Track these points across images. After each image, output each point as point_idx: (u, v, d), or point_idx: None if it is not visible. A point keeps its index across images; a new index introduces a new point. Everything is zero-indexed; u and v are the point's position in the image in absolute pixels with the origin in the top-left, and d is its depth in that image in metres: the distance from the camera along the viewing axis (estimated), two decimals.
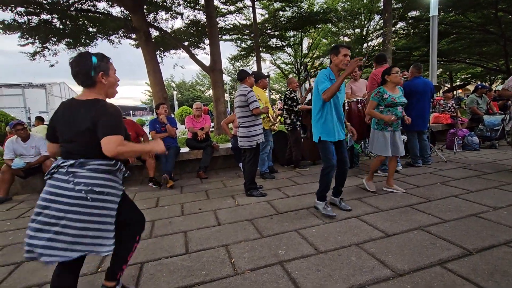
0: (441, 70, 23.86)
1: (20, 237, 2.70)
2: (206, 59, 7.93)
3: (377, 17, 15.10)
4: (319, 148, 2.76)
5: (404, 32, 15.32)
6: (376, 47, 14.37)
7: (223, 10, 12.74)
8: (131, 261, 2.09)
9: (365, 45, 16.05)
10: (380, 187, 3.46)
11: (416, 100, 4.29)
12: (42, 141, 4.25)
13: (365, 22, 16.04)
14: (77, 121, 1.40)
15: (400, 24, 14.65)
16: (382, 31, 12.02)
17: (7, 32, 7.59)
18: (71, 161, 1.38)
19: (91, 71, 1.43)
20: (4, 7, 6.90)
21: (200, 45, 11.72)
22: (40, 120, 6.69)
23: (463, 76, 26.46)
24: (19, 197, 4.18)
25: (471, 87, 23.42)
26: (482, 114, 6.24)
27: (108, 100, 1.53)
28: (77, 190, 1.34)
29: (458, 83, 25.51)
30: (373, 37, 15.82)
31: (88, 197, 1.35)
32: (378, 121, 3.31)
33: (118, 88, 1.61)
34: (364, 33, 16.25)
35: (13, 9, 7.12)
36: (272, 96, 23.28)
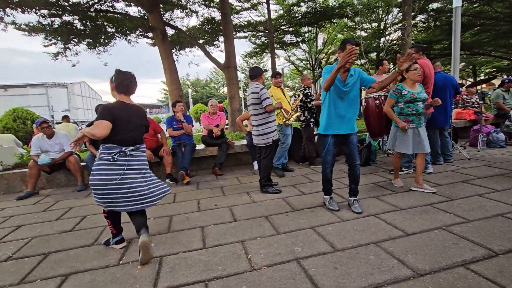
0: (463, 64, 22.84)
1: (47, 229, 2.84)
2: (220, 57, 7.98)
3: (395, 10, 14.60)
4: (319, 142, 2.87)
5: (425, 25, 14.73)
6: (394, 41, 13.94)
7: (237, 7, 12.74)
8: None
9: (382, 39, 15.59)
10: (408, 187, 3.33)
11: (436, 96, 4.14)
12: (66, 138, 4.43)
13: (383, 16, 15.56)
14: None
15: (420, 17, 14.10)
16: (400, 24, 11.62)
17: (32, 34, 7.94)
18: None
19: None
20: (29, 10, 7.21)
21: (214, 43, 11.80)
22: (66, 118, 6.97)
23: (487, 70, 25.19)
24: (45, 192, 4.39)
25: (495, 81, 22.31)
26: (509, 109, 5.93)
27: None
28: None
29: (482, 78, 24.35)
30: (391, 31, 15.32)
31: None
32: (398, 117, 3.24)
33: None
34: (382, 27, 15.77)
35: (37, 11, 7.44)
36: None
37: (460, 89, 5.10)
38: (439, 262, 1.80)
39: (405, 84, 3.21)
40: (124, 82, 2.16)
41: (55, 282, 1.89)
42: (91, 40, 8.91)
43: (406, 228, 2.30)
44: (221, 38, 10.79)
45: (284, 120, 4.22)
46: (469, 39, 14.92)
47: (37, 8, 7.29)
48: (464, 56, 17.55)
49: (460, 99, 5.97)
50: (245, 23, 13.92)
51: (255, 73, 3.59)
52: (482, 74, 25.82)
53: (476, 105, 6.08)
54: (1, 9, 6.99)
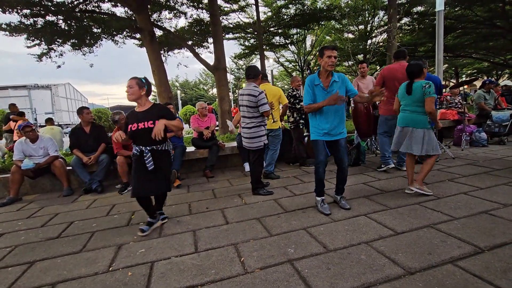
0: (446, 65, 23.58)
1: (31, 237, 2.74)
2: (209, 58, 7.95)
3: (381, 13, 14.94)
4: (312, 145, 2.92)
5: (409, 27, 15.13)
6: (381, 43, 14.25)
7: (226, 9, 12.72)
8: (140, 260, 2.12)
9: (369, 41, 15.90)
10: (401, 187, 3.40)
11: None
12: (51, 141, 4.30)
13: (369, 19, 15.89)
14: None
15: (405, 20, 14.48)
16: (386, 27, 11.89)
17: (14, 34, 7.68)
18: None
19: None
20: (10, 10, 6.97)
21: (203, 44, 11.74)
22: (49, 121, 6.75)
23: (469, 71, 26.12)
24: (28, 197, 4.24)
25: (476, 83, 23.13)
26: (490, 109, 6.16)
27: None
28: None
29: (464, 79, 25.21)
30: (377, 33, 15.66)
31: None
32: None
33: (121, 88, 2.46)
34: (368, 29, 16.09)
35: (19, 11, 7.20)
36: None
37: (444, 90, 5.26)
38: (428, 260, 1.84)
39: None
40: (150, 88, 2.60)
41: None
42: (76, 41, 8.69)
43: (395, 227, 2.35)
44: (210, 40, 10.75)
45: (272, 122, 4.16)
46: (452, 42, 15.43)
47: (19, 7, 7.06)
48: (447, 58, 18.11)
49: (444, 100, 6.15)
50: (234, 24, 13.92)
51: (254, 73, 3.45)
52: (463, 76, 26.73)
53: (459, 106, 6.29)
54: None
